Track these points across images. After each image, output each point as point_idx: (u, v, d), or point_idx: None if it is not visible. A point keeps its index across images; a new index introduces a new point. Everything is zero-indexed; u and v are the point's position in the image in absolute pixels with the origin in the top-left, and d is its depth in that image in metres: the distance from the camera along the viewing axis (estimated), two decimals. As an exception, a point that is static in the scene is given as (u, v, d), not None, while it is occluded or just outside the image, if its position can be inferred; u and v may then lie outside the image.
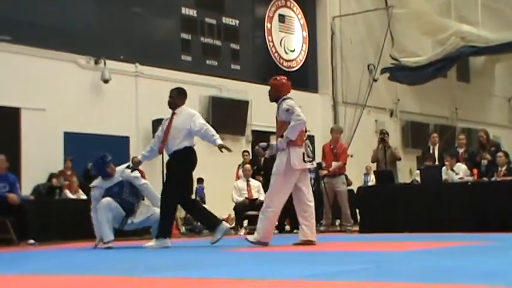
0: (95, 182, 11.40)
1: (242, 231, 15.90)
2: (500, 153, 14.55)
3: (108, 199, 10.92)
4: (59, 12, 16.93)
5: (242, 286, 5.20)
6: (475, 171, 14.91)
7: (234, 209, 16.43)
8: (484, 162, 15.11)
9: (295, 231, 16.46)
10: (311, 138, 22.16)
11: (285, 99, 10.19)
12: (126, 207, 11.12)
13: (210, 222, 10.92)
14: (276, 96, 10.35)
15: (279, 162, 9.95)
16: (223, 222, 10.88)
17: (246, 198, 16.20)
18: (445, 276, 5.38)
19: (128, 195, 11.20)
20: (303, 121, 9.87)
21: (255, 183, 16.62)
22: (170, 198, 10.50)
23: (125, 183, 11.24)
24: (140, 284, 5.59)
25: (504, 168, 14.27)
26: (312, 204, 9.97)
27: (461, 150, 16.24)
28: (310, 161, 9.95)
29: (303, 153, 9.80)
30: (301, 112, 9.94)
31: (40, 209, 14.43)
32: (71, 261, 8.75)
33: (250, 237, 10.12)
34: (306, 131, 10.09)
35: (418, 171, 16.08)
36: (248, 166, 16.79)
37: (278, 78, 10.42)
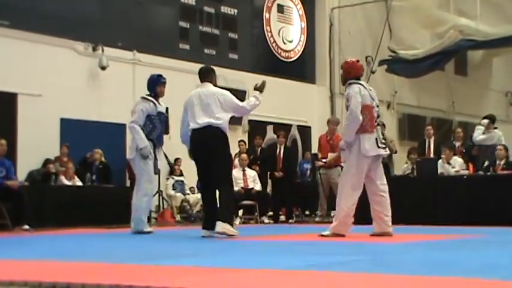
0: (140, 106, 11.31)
1: (237, 221, 15.89)
2: (499, 146, 14.53)
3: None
4: (58, -2, 16.88)
5: (236, 275, 5.21)
6: (471, 165, 14.92)
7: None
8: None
9: (290, 220, 16.54)
10: (308, 130, 22.27)
11: (350, 83, 9.52)
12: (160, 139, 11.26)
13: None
14: (344, 79, 9.73)
15: (350, 156, 9.43)
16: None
17: (242, 187, 16.19)
18: (439, 269, 5.39)
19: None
20: (354, 119, 9.25)
21: (251, 173, 16.62)
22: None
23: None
24: (135, 271, 5.59)
25: (503, 162, 14.28)
26: (386, 195, 9.51)
27: (457, 144, 16.27)
28: (383, 148, 9.49)
29: (376, 139, 9.33)
30: (358, 103, 9.25)
31: (35, 195, 14.39)
32: (65, 247, 8.75)
33: (325, 232, 9.53)
34: (377, 116, 9.50)
35: (405, 165, 16.10)
36: (244, 156, 16.80)
37: (348, 60, 9.97)
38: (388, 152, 9.69)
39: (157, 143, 11.23)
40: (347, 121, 9.48)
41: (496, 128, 15.89)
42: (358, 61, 9.90)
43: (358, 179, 9.36)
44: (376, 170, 9.49)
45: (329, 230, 9.47)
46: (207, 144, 9.67)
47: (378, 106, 9.59)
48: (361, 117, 9.25)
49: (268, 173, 17.30)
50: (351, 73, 9.64)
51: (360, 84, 9.50)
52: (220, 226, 9.27)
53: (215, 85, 10.15)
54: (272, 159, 17.19)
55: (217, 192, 9.85)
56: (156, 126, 11.20)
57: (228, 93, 10.04)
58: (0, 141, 13.44)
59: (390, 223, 9.53)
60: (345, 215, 9.39)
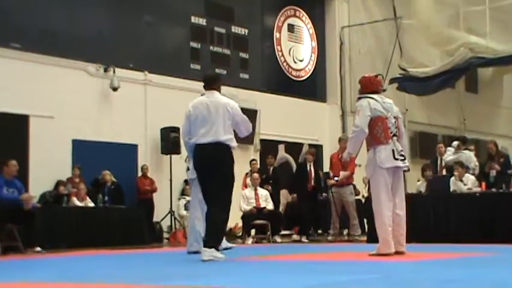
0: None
1: (249, 240, 15.88)
2: None
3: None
4: (69, 19, 16.96)
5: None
6: (484, 183, 14.86)
7: (242, 217, 16.38)
8: (493, 172, 15.08)
9: (303, 239, 16.49)
10: (319, 148, 22.25)
11: (359, 98, 9.54)
12: None
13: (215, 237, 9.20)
14: (361, 93, 9.64)
15: (371, 172, 9.32)
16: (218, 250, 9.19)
17: (254, 207, 16.16)
18: (453, 286, 5.37)
19: None
20: (359, 131, 9.20)
21: (263, 192, 16.58)
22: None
23: None
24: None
25: (517, 179, 14.26)
26: (402, 213, 9.30)
27: (470, 161, 16.21)
28: (402, 160, 9.27)
29: (392, 150, 9.19)
30: (365, 117, 9.19)
31: (47, 216, 14.42)
32: (77, 269, 8.75)
33: (372, 252, 9.35)
34: (389, 127, 9.26)
35: (419, 182, 16.05)
36: (256, 175, 16.76)
37: (366, 75, 9.92)
38: (407, 164, 9.33)
39: None
40: (352, 133, 9.43)
41: (466, 149, 16.27)
42: (376, 76, 9.89)
43: (384, 193, 9.19)
44: (396, 185, 9.33)
45: (375, 250, 9.30)
46: (211, 162, 9.13)
47: (395, 118, 9.41)
48: (366, 130, 9.18)
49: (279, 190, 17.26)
50: (368, 87, 9.61)
51: (371, 97, 9.41)
52: (206, 254, 8.81)
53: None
54: (285, 177, 17.19)
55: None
56: None
57: (236, 104, 9.46)
58: (11, 162, 13.45)
59: (404, 242, 9.37)
60: (382, 233, 9.20)
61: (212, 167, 9.13)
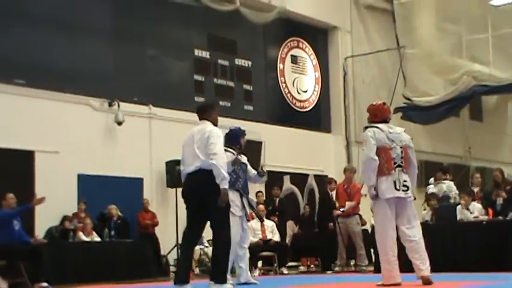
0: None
1: (256, 272, 15.81)
2: None
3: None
4: (72, 54, 17.03)
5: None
6: (491, 211, 14.81)
7: (249, 249, 16.28)
8: (500, 200, 15.03)
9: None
10: (324, 178, 22.22)
11: (366, 127, 9.50)
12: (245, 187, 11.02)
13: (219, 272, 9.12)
14: (370, 122, 9.59)
15: (371, 201, 9.33)
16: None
17: (260, 239, 16.12)
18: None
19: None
20: (369, 161, 9.13)
21: (269, 224, 16.54)
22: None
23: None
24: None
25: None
26: (415, 238, 9.15)
27: (476, 189, 16.19)
28: (404, 190, 9.14)
29: (394, 181, 9.11)
30: (372, 145, 9.12)
31: (54, 252, 14.38)
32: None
33: (379, 282, 9.32)
34: (393, 157, 9.17)
35: (424, 211, 16.02)
36: (262, 206, 16.70)
37: (374, 103, 9.86)
38: (410, 195, 9.18)
39: (243, 192, 11.02)
40: (363, 166, 9.35)
41: (446, 179, 16.76)
42: (384, 104, 9.82)
43: (383, 224, 9.18)
44: (402, 214, 9.23)
45: (381, 281, 9.27)
46: (197, 191, 8.98)
47: (402, 147, 9.30)
48: (376, 157, 9.10)
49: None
50: (377, 116, 9.53)
51: (376, 127, 9.35)
52: None
53: (214, 122, 9.37)
54: (291, 209, 17.15)
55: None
56: (239, 175, 11.00)
57: (215, 139, 8.95)
58: (8, 195, 13.40)
59: (424, 267, 9.18)
60: (385, 264, 9.16)
61: (195, 195, 9.01)
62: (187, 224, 9.38)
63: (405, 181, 9.18)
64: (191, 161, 9.04)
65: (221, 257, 9.04)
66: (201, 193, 8.92)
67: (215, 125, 9.33)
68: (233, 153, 10.72)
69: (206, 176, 8.80)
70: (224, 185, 8.72)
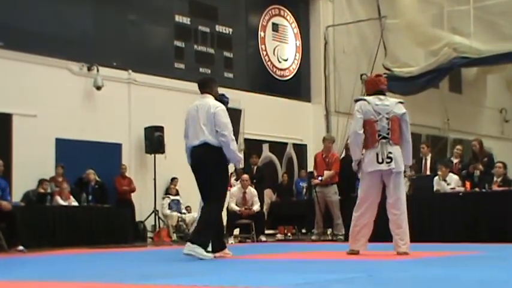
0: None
1: (232, 240, 15.80)
2: (499, 164, 14.62)
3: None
4: (53, 18, 16.89)
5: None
6: (468, 183, 14.90)
7: (228, 216, 16.33)
8: (477, 173, 15.14)
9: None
10: (303, 147, 22.28)
11: (356, 100, 9.66)
12: None
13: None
14: (366, 95, 9.78)
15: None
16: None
17: (246, 208, 16.07)
18: (436, 285, 5.38)
19: None
20: (353, 135, 9.34)
21: (253, 192, 16.47)
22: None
23: None
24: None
25: (500, 179, 14.29)
26: (396, 212, 9.31)
27: (455, 161, 16.27)
28: (387, 162, 9.20)
29: (377, 154, 9.21)
30: (358, 119, 9.27)
31: (30, 215, 14.38)
32: (60, 268, 8.71)
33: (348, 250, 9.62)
34: (378, 130, 9.26)
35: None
36: (246, 176, 16.57)
37: (369, 75, 10.00)
38: (392, 166, 9.21)
39: None
40: (349, 140, 9.61)
41: None
42: (378, 75, 9.99)
43: (364, 195, 9.37)
44: (387, 186, 9.35)
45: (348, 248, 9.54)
46: (201, 163, 9.35)
47: (389, 119, 9.36)
48: (360, 131, 9.22)
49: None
50: (369, 89, 9.72)
51: (364, 99, 9.46)
52: (188, 248, 8.96)
53: (216, 96, 9.65)
54: (268, 177, 17.14)
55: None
56: None
57: (224, 118, 9.32)
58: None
59: (401, 243, 9.35)
60: (352, 230, 9.48)
61: (201, 168, 9.34)
62: (201, 196, 9.61)
63: (390, 153, 9.23)
64: (196, 135, 9.33)
65: (205, 227, 9.23)
66: (206, 170, 9.29)
67: (216, 98, 9.60)
68: None
69: (210, 152, 9.24)
70: (240, 165, 9.81)
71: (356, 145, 9.31)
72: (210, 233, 9.33)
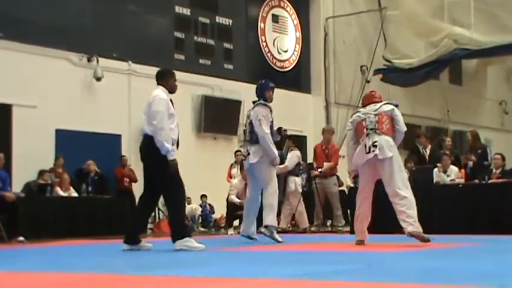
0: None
1: (231, 231, 15.82)
2: (497, 156, 14.62)
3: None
4: (52, 9, 16.88)
5: (234, 285, 5.19)
6: (462, 171, 14.97)
7: (228, 207, 16.31)
8: (470, 164, 15.21)
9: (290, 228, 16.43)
10: (303, 139, 22.25)
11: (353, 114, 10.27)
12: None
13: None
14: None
15: None
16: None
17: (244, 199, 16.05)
18: (436, 277, 5.38)
19: None
20: (347, 147, 9.93)
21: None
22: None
23: None
24: (130, 282, 5.57)
25: (499, 170, 14.30)
26: (397, 200, 9.41)
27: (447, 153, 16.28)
28: (373, 151, 9.35)
29: (364, 145, 9.42)
30: (349, 131, 10.00)
31: (31, 206, 14.39)
32: (60, 259, 8.72)
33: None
34: (366, 125, 9.51)
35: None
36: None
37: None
38: (376, 152, 9.29)
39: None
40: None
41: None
42: (372, 92, 10.42)
43: (361, 187, 9.75)
44: (384, 176, 9.44)
45: None
46: (142, 154, 9.52)
47: (376, 115, 9.57)
48: (350, 143, 9.77)
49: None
50: (364, 103, 10.06)
51: (358, 111, 9.96)
52: (178, 244, 8.96)
53: (171, 89, 9.47)
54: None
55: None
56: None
57: (157, 106, 9.17)
58: (-1, 154, 13.52)
59: (407, 224, 9.43)
60: (355, 221, 9.89)
61: (143, 159, 9.58)
62: (143, 187, 9.71)
63: (375, 141, 9.38)
64: (143, 125, 9.42)
65: (174, 217, 9.35)
66: (147, 163, 9.45)
67: (171, 92, 9.46)
68: (270, 108, 10.76)
69: (148, 142, 9.22)
70: (170, 156, 9.01)
71: (351, 155, 9.75)
72: (181, 221, 9.41)
